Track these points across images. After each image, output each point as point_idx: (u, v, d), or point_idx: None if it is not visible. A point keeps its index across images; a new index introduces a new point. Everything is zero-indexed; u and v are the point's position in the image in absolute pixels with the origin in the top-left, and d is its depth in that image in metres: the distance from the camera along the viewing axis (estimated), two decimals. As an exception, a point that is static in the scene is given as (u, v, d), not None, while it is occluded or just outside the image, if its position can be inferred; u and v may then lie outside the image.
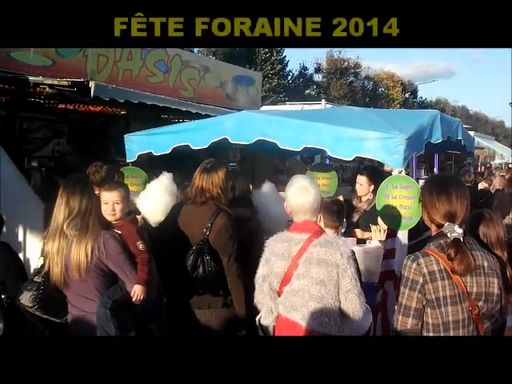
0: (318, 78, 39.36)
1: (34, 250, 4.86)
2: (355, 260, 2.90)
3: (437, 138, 4.69)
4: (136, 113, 8.71)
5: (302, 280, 2.71)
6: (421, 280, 2.22)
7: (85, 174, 4.18)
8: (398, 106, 39.76)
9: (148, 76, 9.12)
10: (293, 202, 2.81)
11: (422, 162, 15.35)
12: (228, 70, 11.94)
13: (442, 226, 2.29)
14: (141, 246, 3.27)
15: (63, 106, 8.04)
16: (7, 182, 5.11)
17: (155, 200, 3.88)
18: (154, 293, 3.69)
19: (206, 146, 4.63)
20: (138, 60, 8.90)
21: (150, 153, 4.93)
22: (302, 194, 2.79)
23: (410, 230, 3.89)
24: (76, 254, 3.06)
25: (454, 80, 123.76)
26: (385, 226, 4.21)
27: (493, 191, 8.50)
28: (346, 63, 38.80)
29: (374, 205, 4.28)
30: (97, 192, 3.45)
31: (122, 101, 6.72)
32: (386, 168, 6.04)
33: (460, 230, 2.25)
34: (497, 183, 8.89)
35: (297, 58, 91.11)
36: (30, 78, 6.58)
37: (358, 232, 4.82)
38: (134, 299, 3.15)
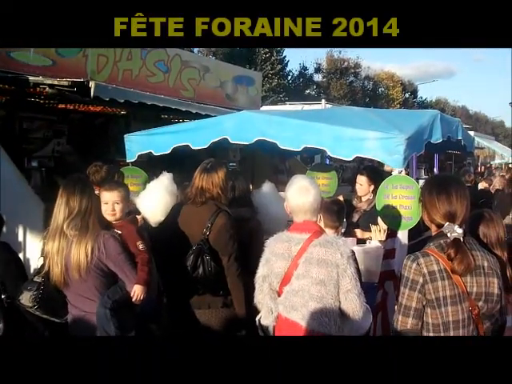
0: (318, 77, 39.45)
1: (34, 250, 4.86)
2: (355, 260, 2.90)
3: (437, 138, 4.69)
4: (136, 113, 8.70)
5: (302, 280, 2.71)
6: (421, 280, 2.22)
7: (85, 174, 4.18)
8: (398, 106, 39.75)
9: (148, 76, 9.12)
10: (293, 202, 2.81)
11: (422, 162, 15.34)
12: (228, 70, 11.93)
13: (442, 225, 2.29)
14: (141, 246, 3.27)
15: (63, 105, 8.04)
16: (7, 182, 5.10)
17: (155, 200, 3.88)
18: (154, 293, 3.69)
19: (205, 146, 4.63)
20: (138, 60, 8.89)
21: (150, 153, 4.93)
22: (302, 193, 2.79)
23: (410, 230, 3.89)
24: (76, 253, 3.06)
25: (453, 80, 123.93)
26: (385, 226, 4.21)
27: (493, 191, 8.50)
28: (345, 63, 38.79)
29: (374, 205, 4.28)
30: (97, 192, 3.45)
31: (122, 101, 6.71)
32: (386, 168, 6.04)
33: (460, 230, 2.25)
34: (497, 183, 8.89)
35: (297, 58, 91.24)
36: (30, 78, 6.58)
37: (358, 232, 4.82)
38: (134, 299, 3.15)
